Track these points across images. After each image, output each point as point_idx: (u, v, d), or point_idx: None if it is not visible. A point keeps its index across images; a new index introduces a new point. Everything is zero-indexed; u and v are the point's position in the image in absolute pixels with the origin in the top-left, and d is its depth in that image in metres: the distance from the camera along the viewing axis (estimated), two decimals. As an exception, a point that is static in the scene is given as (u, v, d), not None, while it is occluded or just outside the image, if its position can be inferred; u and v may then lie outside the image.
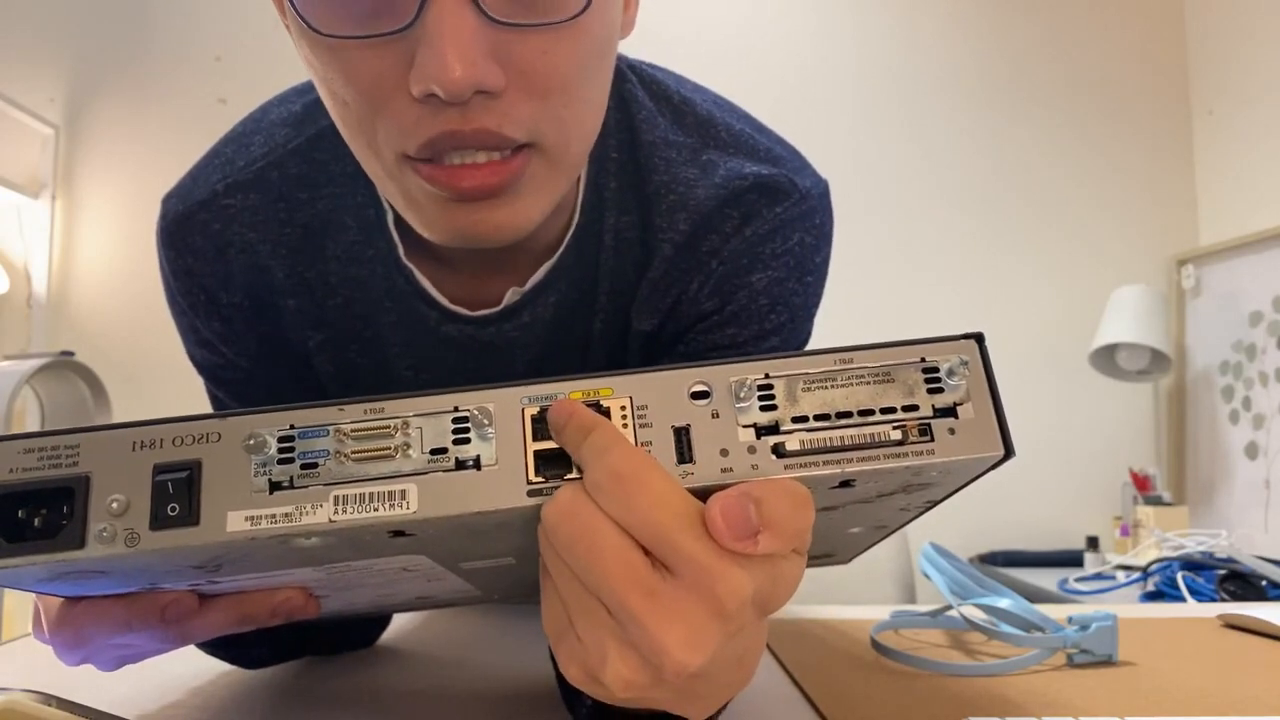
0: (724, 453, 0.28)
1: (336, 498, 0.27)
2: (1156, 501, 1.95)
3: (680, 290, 0.54)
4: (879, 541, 0.44)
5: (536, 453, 0.28)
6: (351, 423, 0.28)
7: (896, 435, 0.28)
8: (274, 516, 0.27)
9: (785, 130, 0.59)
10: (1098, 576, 1.80)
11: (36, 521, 0.27)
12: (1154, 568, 1.51)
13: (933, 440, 0.28)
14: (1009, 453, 0.28)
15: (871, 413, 0.28)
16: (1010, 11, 2.41)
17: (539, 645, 0.61)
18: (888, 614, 0.64)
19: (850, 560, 0.50)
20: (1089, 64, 2.39)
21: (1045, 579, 1.82)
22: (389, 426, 0.28)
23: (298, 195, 0.53)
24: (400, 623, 0.70)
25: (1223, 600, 1.32)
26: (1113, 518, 2.09)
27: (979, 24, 2.41)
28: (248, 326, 0.55)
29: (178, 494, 0.27)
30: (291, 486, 0.27)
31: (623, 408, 0.28)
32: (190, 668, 0.55)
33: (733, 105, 0.59)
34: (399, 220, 0.53)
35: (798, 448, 0.28)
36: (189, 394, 0.64)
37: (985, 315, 2.32)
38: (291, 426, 0.28)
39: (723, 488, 0.27)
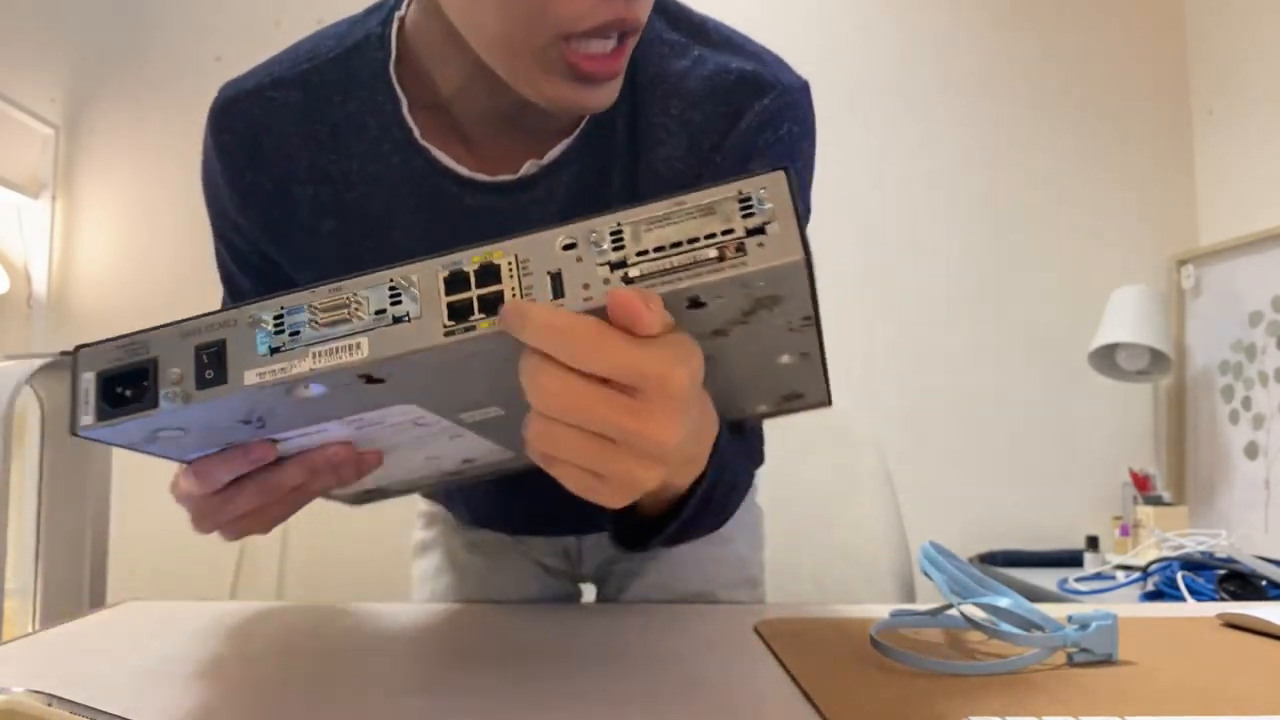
0: (586, 286, 0.35)
1: (314, 353, 0.37)
2: (1156, 501, 1.95)
3: (685, 183, 0.57)
4: (823, 374, 0.49)
5: (449, 304, 0.36)
6: (320, 300, 0.37)
7: (714, 254, 0.34)
8: (274, 370, 0.37)
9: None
10: (1098, 576, 1.81)
11: (128, 393, 0.38)
12: (1154, 568, 1.51)
13: (746, 254, 0.34)
14: (807, 255, 0.34)
15: (698, 240, 0.35)
16: (1011, 12, 2.41)
17: (539, 645, 0.61)
18: (888, 613, 0.64)
19: (827, 397, 0.54)
20: (1089, 64, 2.39)
21: (1045, 579, 1.83)
22: (345, 299, 0.37)
23: (332, 98, 0.62)
24: (401, 622, 0.70)
25: (1222, 600, 1.32)
26: (1113, 518, 2.09)
27: (979, 25, 2.41)
28: (261, 211, 0.64)
29: (213, 363, 0.38)
30: (284, 349, 0.37)
31: (509, 264, 0.36)
32: (192, 668, 0.55)
33: (729, 24, 0.64)
34: (413, 108, 0.61)
35: (639, 274, 0.35)
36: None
37: (985, 315, 2.33)
38: (281, 308, 0.38)
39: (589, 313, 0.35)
